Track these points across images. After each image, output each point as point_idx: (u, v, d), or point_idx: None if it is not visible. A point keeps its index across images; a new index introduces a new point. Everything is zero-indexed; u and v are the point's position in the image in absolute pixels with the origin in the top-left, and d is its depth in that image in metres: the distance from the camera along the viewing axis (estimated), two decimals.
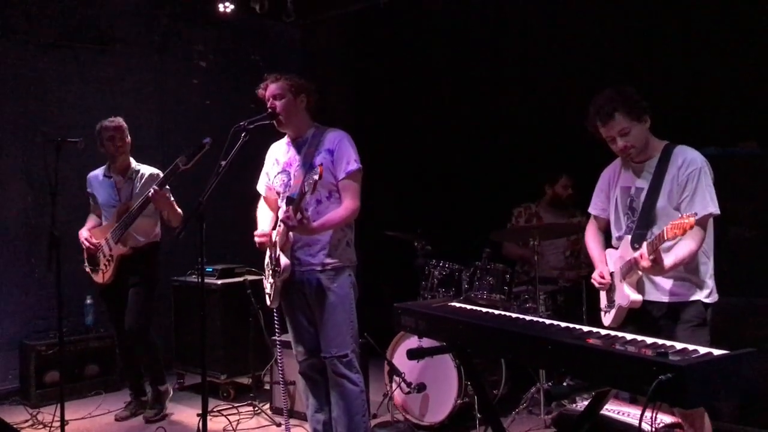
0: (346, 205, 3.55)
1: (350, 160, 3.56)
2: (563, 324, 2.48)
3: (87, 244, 4.66)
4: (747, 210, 3.94)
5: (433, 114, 6.26)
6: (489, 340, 2.53)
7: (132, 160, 4.80)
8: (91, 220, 4.85)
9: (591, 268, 3.66)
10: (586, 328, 2.38)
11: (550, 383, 4.59)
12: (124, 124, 4.72)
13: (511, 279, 4.59)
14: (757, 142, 4.13)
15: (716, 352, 1.98)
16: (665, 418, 2.50)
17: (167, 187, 4.38)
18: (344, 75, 6.98)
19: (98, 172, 4.84)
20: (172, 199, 4.53)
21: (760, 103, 4.34)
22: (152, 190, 4.30)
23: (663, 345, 2.08)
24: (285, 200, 3.61)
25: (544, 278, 5.03)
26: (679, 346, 2.08)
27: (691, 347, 2.06)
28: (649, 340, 2.18)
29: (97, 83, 5.91)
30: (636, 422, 2.39)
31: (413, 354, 2.90)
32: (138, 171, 4.76)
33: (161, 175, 4.72)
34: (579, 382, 2.13)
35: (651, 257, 2.85)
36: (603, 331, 2.33)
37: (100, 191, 4.77)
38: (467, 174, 6.06)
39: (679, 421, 2.54)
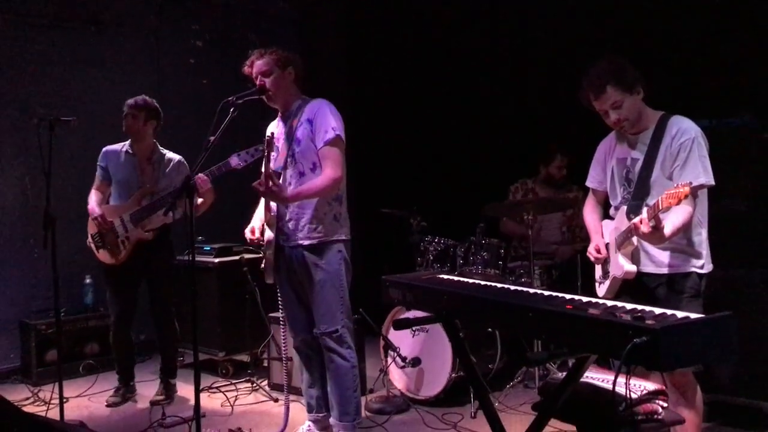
0: (326, 174, 3.49)
1: (329, 129, 3.51)
2: (546, 293, 2.48)
3: (100, 221, 4.52)
4: (741, 182, 3.91)
5: (428, 91, 6.25)
6: (473, 310, 2.54)
7: (156, 143, 4.71)
8: (96, 195, 4.67)
9: (586, 242, 3.65)
10: (568, 296, 2.38)
11: None
12: (143, 104, 4.60)
13: (505, 254, 4.60)
14: (751, 113, 4.09)
15: (693, 316, 1.98)
16: (649, 385, 2.50)
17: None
18: (340, 54, 6.96)
19: (117, 147, 4.71)
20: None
21: (755, 74, 4.30)
22: (198, 177, 4.10)
23: (642, 310, 2.08)
24: (268, 171, 3.60)
25: (541, 253, 5.04)
26: (657, 311, 2.08)
27: (669, 312, 2.06)
28: (629, 306, 2.18)
29: (92, 64, 5.92)
30: (620, 389, 2.41)
31: (399, 324, 2.91)
32: (163, 155, 4.68)
33: (184, 162, 4.71)
34: (559, 349, 2.13)
35: (651, 222, 2.84)
36: (584, 299, 2.34)
37: (119, 167, 4.64)
38: (463, 150, 6.04)
39: (663, 388, 2.54)
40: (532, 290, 2.59)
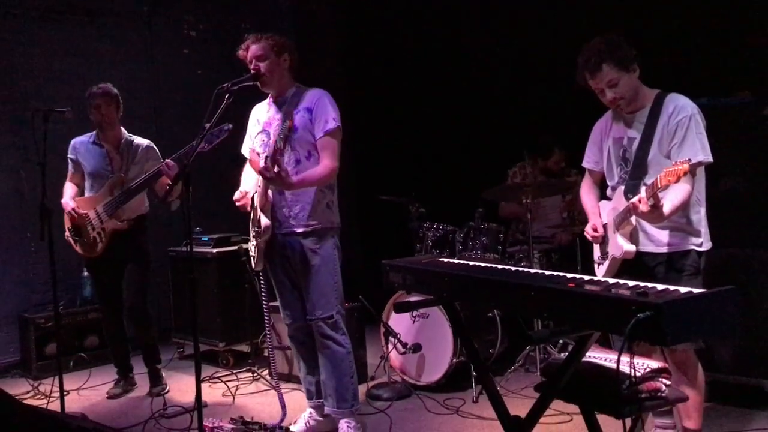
0: (325, 164, 3.51)
1: (329, 119, 3.52)
2: (547, 272, 2.47)
3: (74, 214, 4.49)
4: (740, 161, 3.89)
5: (425, 78, 6.21)
6: (474, 290, 2.51)
7: (123, 130, 4.67)
8: (70, 188, 4.65)
9: (585, 225, 3.62)
10: (569, 275, 2.37)
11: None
12: (113, 92, 4.57)
13: (504, 238, 4.59)
14: (749, 92, 4.07)
15: (696, 291, 1.97)
16: (652, 364, 2.49)
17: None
18: (335, 42, 6.92)
19: (85, 138, 4.67)
20: None
21: (753, 53, 4.28)
22: (166, 163, 4.18)
23: (644, 286, 2.06)
24: (264, 160, 3.59)
25: (540, 237, 5.02)
26: (660, 287, 2.07)
27: (671, 288, 2.05)
28: (631, 282, 2.16)
29: (85, 55, 5.89)
30: (623, 368, 2.40)
31: (400, 307, 2.90)
32: (132, 142, 4.63)
33: (154, 147, 4.70)
34: (561, 327, 2.12)
35: (650, 201, 2.83)
36: (586, 277, 2.32)
37: (89, 159, 4.61)
38: (460, 136, 6.02)
39: (666, 366, 2.53)
40: (533, 270, 2.58)
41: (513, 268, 2.65)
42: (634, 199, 2.93)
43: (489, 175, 5.18)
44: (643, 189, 2.91)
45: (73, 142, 4.71)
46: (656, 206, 2.85)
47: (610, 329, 2.02)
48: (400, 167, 6.28)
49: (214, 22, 6.64)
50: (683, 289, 2.01)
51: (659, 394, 2.44)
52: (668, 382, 2.48)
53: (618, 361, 1.99)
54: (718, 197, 3.13)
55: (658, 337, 1.84)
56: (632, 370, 2.17)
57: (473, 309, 4.51)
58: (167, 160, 4.22)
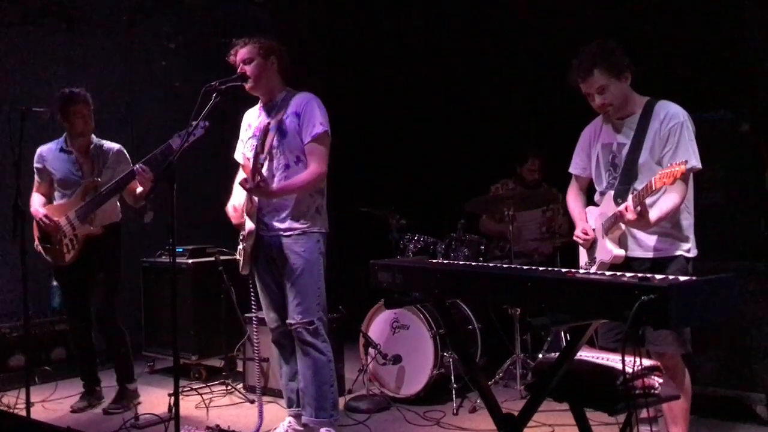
0: (311, 170, 3.49)
1: (316, 123, 3.51)
2: (541, 268, 2.46)
3: (46, 221, 4.31)
4: (718, 174, 3.96)
5: (407, 89, 6.24)
6: (469, 285, 2.49)
7: (93, 135, 4.50)
8: (38, 198, 4.47)
9: (565, 238, 3.64)
10: (564, 270, 2.36)
11: (526, 354, 4.60)
12: (89, 97, 4.43)
13: (486, 249, 4.58)
14: (727, 108, 4.16)
15: (697, 277, 1.97)
16: (644, 361, 2.48)
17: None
18: (315, 57, 6.93)
19: (52, 145, 4.48)
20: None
21: (730, 69, 4.39)
22: (139, 167, 4.05)
23: (644, 276, 2.06)
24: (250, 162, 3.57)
25: (520, 253, 5.03)
26: (659, 276, 2.07)
27: (672, 276, 2.05)
28: (629, 274, 2.16)
29: (63, 63, 5.79)
30: (615, 365, 2.39)
31: (390, 303, 2.85)
32: (101, 146, 4.49)
33: (124, 150, 4.60)
34: (560, 315, 2.09)
35: (637, 209, 2.84)
36: (581, 270, 2.32)
37: (58, 166, 4.42)
38: (444, 149, 6.04)
39: (659, 364, 2.52)
40: (526, 267, 2.56)
41: (505, 266, 2.64)
42: (621, 207, 2.95)
43: (472, 187, 5.18)
44: (630, 197, 2.94)
45: (39, 150, 4.51)
46: (643, 214, 2.88)
47: (613, 315, 2.00)
48: (380, 178, 6.28)
49: (192, 35, 6.59)
50: (683, 277, 2.02)
51: (652, 391, 2.43)
52: (661, 380, 2.47)
53: (623, 347, 1.97)
54: (698, 210, 3.17)
55: (662, 321, 1.83)
56: (633, 364, 2.15)
57: (452, 323, 4.47)
58: (139, 164, 4.09)
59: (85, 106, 4.41)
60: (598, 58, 3.01)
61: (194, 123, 3.30)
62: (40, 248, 4.47)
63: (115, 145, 4.57)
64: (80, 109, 4.38)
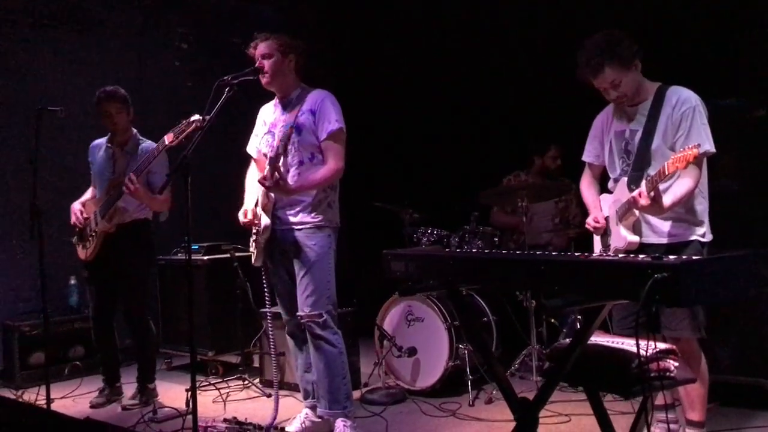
0: (329, 166, 3.53)
1: (332, 120, 3.54)
2: (554, 253, 2.47)
3: (74, 218, 4.43)
4: (732, 162, 3.94)
5: (419, 83, 6.24)
6: (482, 271, 2.49)
7: (135, 132, 4.56)
8: (88, 192, 4.64)
9: (580, 229, 3.63)
10: (577, 253, 2.36)
11: (541, 346, 4.59)
12: (121, 94, 4.46)
13: (500, 242, 4.58)
14: (740, 94, 4.14)
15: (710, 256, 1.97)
16: (659, 345, 2.47)
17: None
18: (325, 56, 6.96)
19: (102, 140, 4.60)
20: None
21: (744, 56, 4.36)
22: (127, 180, 4.08)
23: (657, 255, 2.06)
24: (268, 161, 3.60)
25: (535, 245, 5.02)
26: (673, 256, 2.07)
27: (685, 256, 2.05)
28: (642, 255, 2.16)
29: (77, 65, 5.85)
30: (630, 348, 2.38)
31: (405, 291, 2.86)
32: (138, 144, 4.52)
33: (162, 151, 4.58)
34: (573, 296, 2.10)
35: (650, 195, 2.84)
36: (594, 255, 2.32)
37: (97, 161, 4.54)
38: (454, 141, 6.04)
39: (674, 348, 2.51)
40: (538, 252, 2.57)
41: (518, 252, 2.64)
42: (635, 193, 2.94)
43: (485, 180, 5.18)
44: (643, 183, 2.93)
45: (91, 145, 4.65)
46: (656, 199, 2.87)
47: (626, 295, 2.00)
48: (393, 172, 6.29)
49: (205, 35, 6.64)
50: (697, 257, 2.02)
51: (668, 374, 2.43)
52: (677, 363, 2.46)
53: (637, 327, 1.97)
54: (714, 197, 3.15)
55: (674, 299, 1.83)
56: (646, 346, 2.15)
57: (467, 314, 4.48)
58: (130, 174, 4.12)
59: (111, 104, 4.43)
60: (607, 53, 2.99)
61: (207, 118, 3.31)
62: (74, 242, 4.56)
63: (152, 145, 4.48)
64: (105, 107, 4.43)
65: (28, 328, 5.13)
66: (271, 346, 4.24)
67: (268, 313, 3.97)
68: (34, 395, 4.56)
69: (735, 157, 3.96)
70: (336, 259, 3.68)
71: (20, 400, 4.64)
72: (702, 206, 3.07)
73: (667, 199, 2.93)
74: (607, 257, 2.06)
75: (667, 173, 2.77)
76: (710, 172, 3.14)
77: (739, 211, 3.92)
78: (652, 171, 2.99)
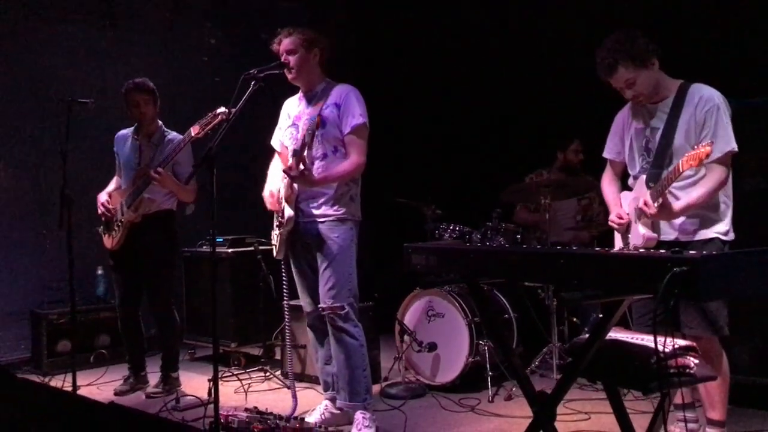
0: (352, 160, 3.57)
1: (356, 115, 3.58)
2: (574, 248, 2.47)
3: (101, 209, 4.52)
4: (755, 160, 3.90)
5: (442, 80, 6.25)
6: (501, 264, 2.50)
7: (161, 124, 4.63)
8: (113, 182, 4.71)
9: (602, 227, 3.61)
10: (597, 248, 2.37)
11: (562, 344, 4.58)
12: (150, 86, 4.54)
13: (522, 239, 4.57)
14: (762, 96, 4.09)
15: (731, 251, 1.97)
16: (679, 341, 2.47)
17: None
18: (351, 52, 6.99)
19: (127, 131, 4.67)
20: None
21: (765, 56, 4.32)
22: (152, 172, 4.19)
23: (677, 249, 2.06)
24: (292, 153, 3.65)
25: (556, 243, 5.00)
26: (692, 252, 2.07)
27: (705, 251, 2.05)
28: (662, 250, 2.16)
29: (105, 59, 5.94)
30: (650, 344, 2.38)
31: (426, 284, 2.88)
32: (164, 136, 4.58)
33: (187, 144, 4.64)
34: (592, 290, 2.10)
35: (657, 202, 2.83)
36: (614, 250, 2.32)
37: (123, 152, 4.62)
38: (478, 138, 6.04)
39: (694, 345, 2.50)
40: (558, 247, 2.57)
41: (538, 247, 2.65)
42: (640, 204, 2.94)
43: (507, 177, 5.18)
44: (648, 192, 2.92)
45: (116, 135, 4.73)
46: (664, 206, 2.86)
47: (645, 290, 2.00)
48: (416, 168, 6.31)
49: (233, 30, 6.71)
50: (716, 252, 2.01)
51: (687, 370, 2.42)
52: (697, 361, 2.45)
53: (655, 322, 1.97)
54: (739, 197, 3.13)
55: (693, 293, 1.84)
56: (664, 342, 2.14)
57: (488, 309, 4.48)
58: (157, 168, 4.22)
59: (139, 94, 4.50)
60: (619, 52, 2.98)
61: (233, 110, 3.36)
62: (101, 231, 4.64)
63: (178, 136, 4.56)
64: (132, 97, 4.50)
65: (55, 317, 5.23)
66: (288, 339, 4.29)
67: (287, 306, 4.01)
68: (60, 382, 4.63)
69: (759, 156, 3.91)
70: (358, 253, 3.72)
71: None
72: (724, 204, 3.05)
73: (679, 204, 2.92)
74: (626, 252, 2.06)
75: (680, 171, 2.76)
76: (734, 171, 3.12)
77: (763, 210, 3.88)
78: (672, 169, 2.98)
